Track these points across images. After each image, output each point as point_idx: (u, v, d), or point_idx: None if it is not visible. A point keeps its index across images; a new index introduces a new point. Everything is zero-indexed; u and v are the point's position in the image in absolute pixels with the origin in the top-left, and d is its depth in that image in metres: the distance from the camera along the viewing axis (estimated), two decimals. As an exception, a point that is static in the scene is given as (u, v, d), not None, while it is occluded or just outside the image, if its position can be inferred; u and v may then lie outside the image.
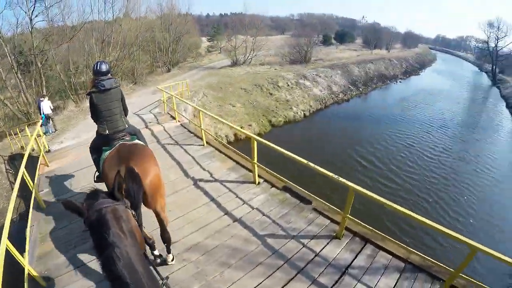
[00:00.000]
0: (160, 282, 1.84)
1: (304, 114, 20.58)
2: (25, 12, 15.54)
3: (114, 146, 3.76)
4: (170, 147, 7.87)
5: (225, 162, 6.98)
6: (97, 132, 4.10)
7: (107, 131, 3.98)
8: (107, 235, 1.56)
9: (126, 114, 4.30)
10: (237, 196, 5.56)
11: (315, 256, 4.22)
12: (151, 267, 1.75)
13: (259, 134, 15.72)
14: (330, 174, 4.23)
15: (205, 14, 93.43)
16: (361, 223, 4.34)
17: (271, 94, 21.30)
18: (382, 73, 35.20)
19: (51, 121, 11.48)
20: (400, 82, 35.94)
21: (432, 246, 8.77)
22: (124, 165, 3.13)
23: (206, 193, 5.64)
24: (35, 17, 15.87)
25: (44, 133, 11.07)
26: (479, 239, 9.13)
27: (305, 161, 4.54)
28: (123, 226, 1.69)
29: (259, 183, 6.00)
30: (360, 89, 28.48)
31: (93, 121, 4.16)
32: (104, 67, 3.93)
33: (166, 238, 3.81)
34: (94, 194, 1.83)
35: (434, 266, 3.90)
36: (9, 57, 14.72)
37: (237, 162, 6.90)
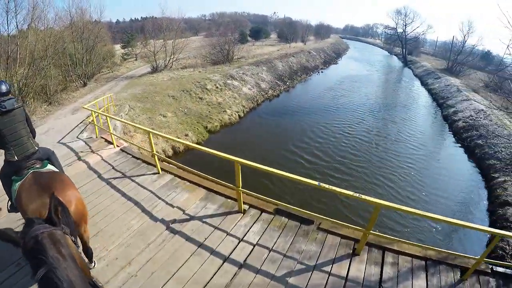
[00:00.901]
0: None
1: (239, 115, 19.75)
2: None
3: (25, 176, 3.47)
4: (117, 182, 6.34)
5: (194, 191, 5.86)
6: (5, 159, 3.69)
7: (15, 157, 3.63)
8: (45, 258, 1.50)
9: (34, 136, 4.01)
10: (227, 234, 4.57)
11: (345, 281, 3.76)
12: None
13: (197, 143, 14.59)
14: (351, 193, 3.67)
15: (114, 20, 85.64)
16: (379, 234, 4.11)
17: (201, 98, 20.06)
18: (304, 65, 36.51)
19: None
20: (322, 72, 37.59)
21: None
22: (47, 195, 2.85)
23: (188, 238, 4.50)
24: None
25: None
26: (434, 209, 9.75)
27: (315, 182, 3.83)
28: (61, 250, 1.62)
29: (245, 210, 5.11)
30: (287, 83, 28.86)
31: None
32: (4, 87, 3.65)
33: (89, 253, 3.79)
34: (29, 222, 1.76)
35: (450, 256, 4.01)
36: None
37: (209, 189, 5.86)
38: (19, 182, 3.41)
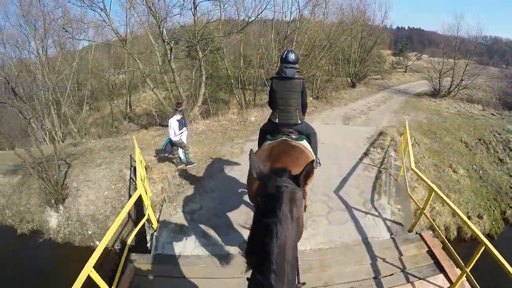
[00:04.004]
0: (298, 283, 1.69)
1: (541, 211, 12.13)
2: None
3: (276, 139, 3.66)
4: None
5: None
6: (269, 118, 3.94)
7: (277, 120, 3.81)
8: (277, 210, 1.48)
9: (304, 110, 4.04)
10: None
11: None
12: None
13: (488, 236, 8.98)
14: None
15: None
16: None
17: (501, 160, 13.14)
18: None
19: (180, 151, 7.55)
20: None
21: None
22: (269, 164, 2.88)
23: None
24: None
25: (178, 162, 7.54)
26: None
27: None
28: (293, 210, 1.59)
29: None
30: None
31: (269, 107, 4.09)
32: (292, 56, 3.69)
33: None
34: (281, 171, 1.77)
35: None
36: (163, 42, 12.62)
37: None
38: (268, 142, 3.69)
